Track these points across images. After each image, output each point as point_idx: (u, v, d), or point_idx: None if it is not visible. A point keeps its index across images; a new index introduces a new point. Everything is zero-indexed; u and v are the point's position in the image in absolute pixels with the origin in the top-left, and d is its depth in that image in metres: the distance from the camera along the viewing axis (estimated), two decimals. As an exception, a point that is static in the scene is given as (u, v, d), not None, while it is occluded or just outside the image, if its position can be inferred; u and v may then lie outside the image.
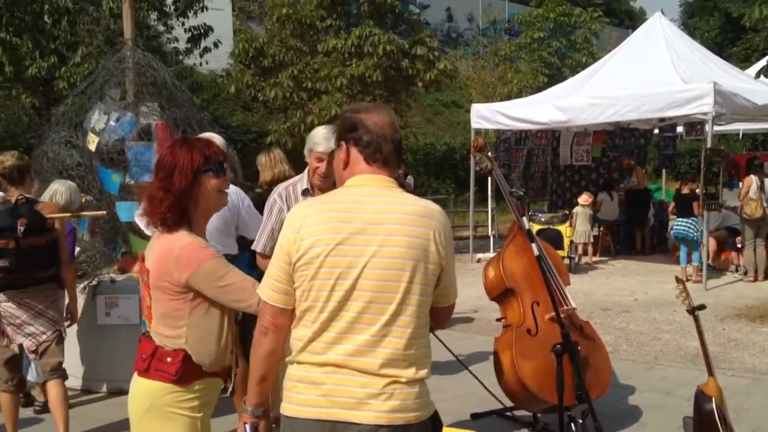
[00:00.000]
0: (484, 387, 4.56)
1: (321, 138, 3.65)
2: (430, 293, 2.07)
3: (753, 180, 9.56)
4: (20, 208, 4.22)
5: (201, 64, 14.42)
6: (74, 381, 5.37)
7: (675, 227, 9.98)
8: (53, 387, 4.42)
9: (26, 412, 5.02)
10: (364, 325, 2.00)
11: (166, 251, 2.44)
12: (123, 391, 5.27)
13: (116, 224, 5.75)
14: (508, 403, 4.67)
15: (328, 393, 2.00)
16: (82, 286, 5.44)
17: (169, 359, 2.43)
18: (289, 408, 2.06)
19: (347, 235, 2.01)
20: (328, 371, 2.01)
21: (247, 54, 13.52)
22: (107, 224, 5.80)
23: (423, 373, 2.05)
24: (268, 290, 2.10)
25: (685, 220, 9.69)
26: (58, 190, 5.16)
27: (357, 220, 2.03)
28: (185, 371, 2.43)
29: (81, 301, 5.26)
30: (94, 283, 5.47)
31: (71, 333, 5.44)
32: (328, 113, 12.47)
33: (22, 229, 4.09)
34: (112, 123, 5.75)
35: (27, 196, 4.35)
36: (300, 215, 2.08)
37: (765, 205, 9.50)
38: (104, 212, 5.57)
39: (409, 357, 2.02)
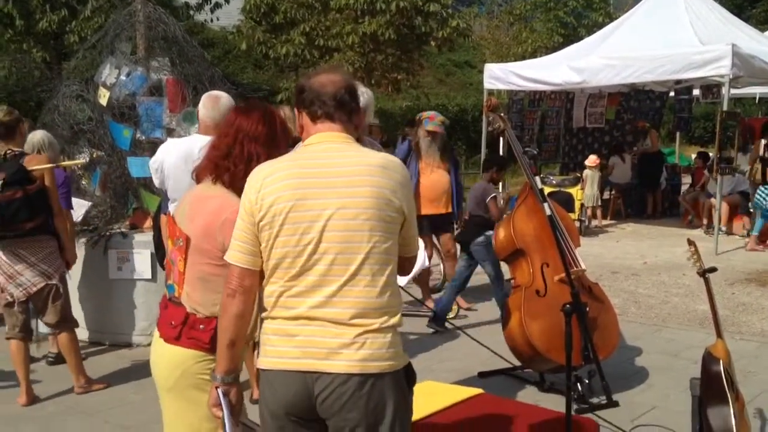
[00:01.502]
0: (484, 346, 4.59)
1: None
2: (395, 242, 2.11)
3: (761, 144, 9.44)
4: (3, 163, 4.27)
5: (212, 20, 14.26)
6: (84, 333, 5.47)
7: (757, 196, 9.43)
8: (61, 338, 4.59)
9: (41, 364, 5.12)
10: (333, 277, 2.03)
11: (215, 212, 2.36)
12: (133, 344, 5.42)
13: (127, 179, 5.76)
14: (513, 362, 4.71)
15: (301, 344, 2.03)
16: (93, 240, 5.49)
17: (201, 326, 2.38)
18: (264, 361, 2.09)
19: (308, 189, 2.04)
20: (300, 323, 2.04)
21: (259, 10, 13.38)
22: (118, 179, 5.81)
23: (394, 320, 2.09)
24: (234, 252, 2.11)
25: (764, 187, 9.24)
26: (40, 141, 5.07)
27: (317, 175, 2.06)
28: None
29: (82, 253, 5.30)
30: (106, 237, 5.50)
31: (82, 286, 5.53)
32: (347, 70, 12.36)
33: (0, 183, 4.14)
34: (122, 77, 5.73)
35: (15, 150, 4.37)
36: (260, 175, 2.10)
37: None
38: (83, 161, 5.60)
39: (380, 305, 2.05)
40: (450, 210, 6.39)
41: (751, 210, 10.03)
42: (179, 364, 2.41)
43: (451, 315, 6.11)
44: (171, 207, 4.32)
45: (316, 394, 2.02)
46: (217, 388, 2.18)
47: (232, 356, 2.16)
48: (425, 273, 6.51)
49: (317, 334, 2.02)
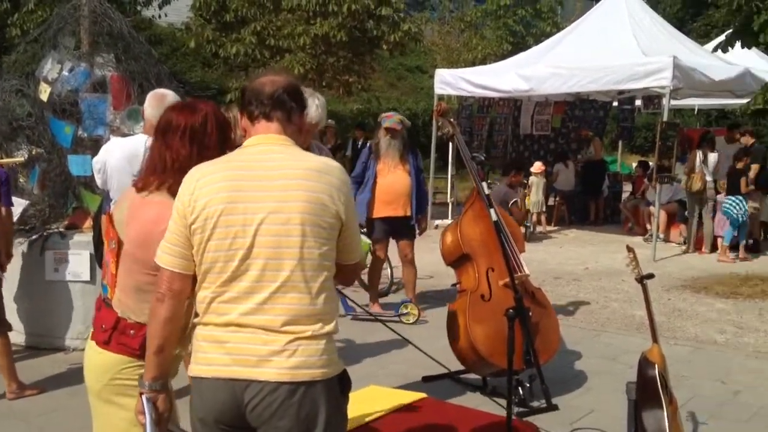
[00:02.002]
0: (423, 352, 4.61)
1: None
2: (331, 248, 2.07)
3: (697, 154, 9.78)
4: None
5: (160, 16, 14.01)
6: (19, 337, 5.29)
7: (725, 205, 9.51)
8: None
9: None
10: (265, 283, 2.00)
11: (153, 221, 2.25)
12: (69, 348, 5.27)
13: (67, 178, 5.60)
14: (453, 367, 4.75)
15: (231, 351, 2.00)
16: (29, 240, 5.33)
17: (132, 332, 2.34)
18: (195, 368, 2.06)
19: (241, 193, 2.01)
20: (231, 330, 2.01)
21: (209, 7, 13.20)
22: (58, 178, 5.65)
23: (329, 327, 2.05)
24: (163, 255, 2.07)
25: (733, 198, 9.36)
26: None
27: (251, 178, 2.03)
28: None
29: (18, 254, 5.15)
30: (43, 238, 5.34)
31: (17, 288, 5.35)
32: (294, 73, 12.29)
33: None
34: (65, 73, 5.58)
35: None
36: (194, 177, 2.07)
37: (707, 179, 9.73)
38: (22, 159, 5.45)
39: (313, 312, 2.02)
40: (408, 213, 6.23)
41: (688, 217, 10.36)
42: (108, 369, 2.36)
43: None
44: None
45: (245, 403, 1.99)
46: (141, 394, 2.13)
47: (160, 363, 2.11)
48: (375, 276, 6.49)
49: (248, 341, 1.99)
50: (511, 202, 5.95)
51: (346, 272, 2.21)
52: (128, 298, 2.36)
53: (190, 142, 2.33)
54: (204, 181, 2.04)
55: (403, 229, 6.30)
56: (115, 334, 2.35)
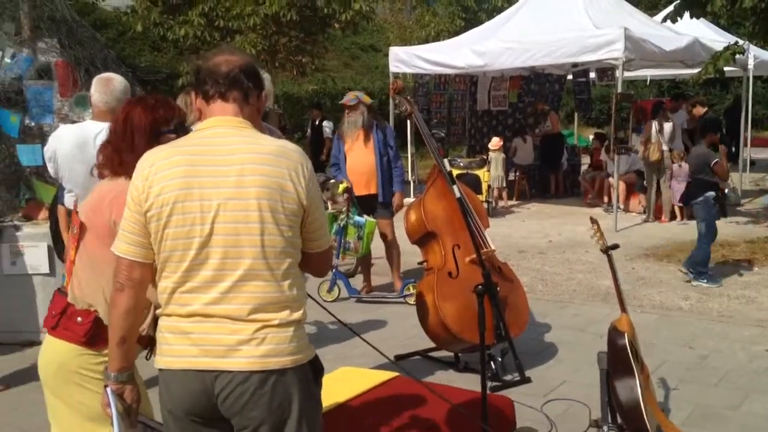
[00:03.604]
0: (367, 342, 4.59)
1: None
2: (294, 234, 1.99)
3: (653, 125, 9.91)
4: None
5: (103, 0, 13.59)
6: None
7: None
8: None
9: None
10: (227, 271, 1.93)
11: (108, 190, 2.33)
12: (32, 343, 5.10)
13: (18, 169, 5.40)
14: (423, 346, 4.72)
15: (198, 342, 1.93)
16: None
17: (79, 319, 2.30)
18: (160, 360, 2.00)
19: (196, 178, 1.93)
20: (195, 320, 1.94)
21: (155, -10, 12.83)
22: (8, 169, 5.44)
23: (297, 314, 1.99)
24: (120, 243, 2.00)
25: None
26: None
27: (207, 162, 1.94)
28: (95, 334, 2.29)
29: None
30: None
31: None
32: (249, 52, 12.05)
33: None
34: (7, 60, 5.36)
35: None
36: (147, 162, 1.98)
37: (663, 148, 9.88)
38: None
39: (280, 299, 1.96)
40: (374, 191, 6.18)
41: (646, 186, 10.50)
42: (55, 358, 2.33)
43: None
44: (67, 197, 4.07)
45: (216, 393, 1.93)
46: (106, 387, 2.07)
47: (123, 353, 2.05)
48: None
49: (214, 331, 1.92)
50: (713, 162, 6.42)
51: (314, 260, 2.11)
52: (83, 275, 2.32)
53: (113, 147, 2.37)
54: (158, 166, 1.95)
55: (374, 206, 6.23)
56: (63, 319, 2.32)
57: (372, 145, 6.12)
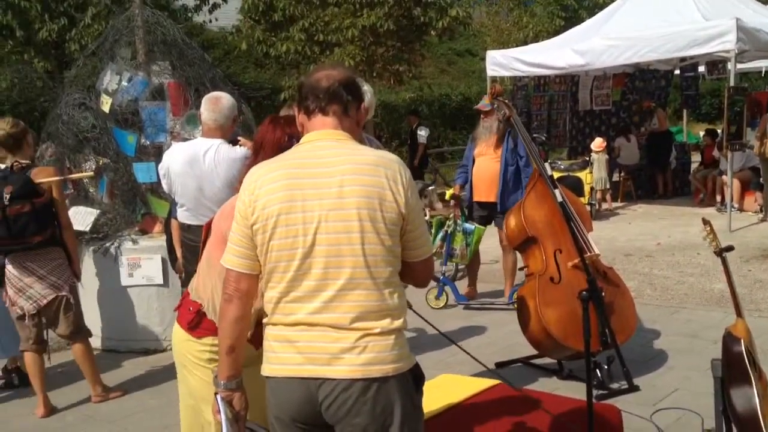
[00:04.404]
0: (463, 350, 4.51)
1: None
2: (394, 243, 2.02)
3: (768, 118, 9.36)
4: (11, 176, 4.23)
5: (210, 21, 14.22)
6: (97, 341, 5.46)
7: None
8: (75, 348, 4.55)
9: (55, 369, 5.12)
10: (330, 281, 1.98)
11: (234, 202, 2.45)
12: (147, 351, 5.41)
13: (134, 186, 5.74)
14: (526, 352, 4.66)
15: (303, 350, 1.99)
16: (103, 248, 5.48)
17: (190, 308, 2.51)
18: (267, 368, 2.06)
19: (299, 191, 1.99)
20: (300, 329, 2.00)
21: (257, 9, 13.29)
22: (125, 186, 5.79)
23: (398, 323, 2.02)
24: (229, 256, 2.08)
25: None
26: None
27: (308, 176, 2.00)
28: (198, 323, 2.49)
29: (93, 261, 5.35)
30: (116, 244, 5.49)
31: (95, 295, 5.52)
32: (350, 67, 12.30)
33: (7, 197, 4.14)
34: (124, 83, 5.71)
35: (23, 162, 4.33)
36: (253, 177, 2.06)
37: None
38: (92, 173, 5.60)
39: (381, 308, 1.99)
40: (494, 199, 6.05)
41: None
42: (175, 339, 2.60)
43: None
44: (179, 212, 4.30)
45: (320, 401, 1.99)
46: (216, 394, 2.16)
47: (232, 362, 2.13)
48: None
49: (318, 340, 1.98)
50: None
51: (415, 270, 2.13)
52: (199, 274, 2.54)
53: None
54: (262, 180, 2.03)
55: (494, 214, 6.12)
56: (181, 307, 2.59)
57: (500, 152, 5.98)
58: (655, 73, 13.50)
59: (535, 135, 4.91)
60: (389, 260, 2.02)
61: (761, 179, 9.89)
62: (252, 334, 2.33)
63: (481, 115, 6.15)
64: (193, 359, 2.51)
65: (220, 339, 2.13)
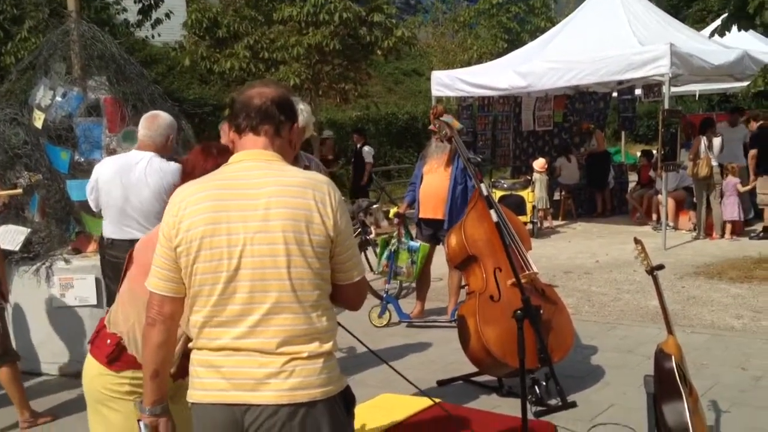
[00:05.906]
0: (395, 371, 4.54)
1: None
2: (322, 266, 1.98)
3: (702, 140, 9.71)
4: None
5: (153, 36, 14.01)
6: (30, 364, 5.24)
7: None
8: (1, 371, 4.36)
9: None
10: (255, 305, 1.94)
11: (152, 233, 2.44)
12: (79, 374, 5.21)
13: (68, 203, 5.57)
14: (466, 370, 4.68)
15: (227, 376, 1.94)
16: (35, 267, 5.29)
17: (108, 341, 2.41)
18: (192, 394, 2.01)
19: (224, 213, 1.94)
20: (225, 354, 1.96)
21: (201, 25, 13.16)
22: (58, 204, 5.61)
23: (327, 346, 1.99)
24: (153, 279, 2.04)
25: None
26: None
27: (234, 197, 1.96)
28: (118, 356, 2.39)
29: (23, 282, 5.15)
30: (47, 264, 5.30)
31: (25, 316, 5.32)
32: (286, 84, 12.25)
33: None
34: (58, 98, 5.56)
35: None
36: (178, 198, 2.02)
37: (713, 164, 9.65)
38: (21, 191, 5.44)
39: (308, 332, 1.96)
40: (441, 216, 6.06)
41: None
42: (88, 372, 2.48)
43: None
44: (103, 225, 4.24)
45: (246, 427, 1.94)
46: (140, 421, 2.10)
47: (156, 387, 2.08)
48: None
49: (244, 365, 1.94)
50: None
51: (346, 293, 2.09)
52: (118, 305, 2.45)
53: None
54: (187, 201, 1.99)
55: (439, 232, 6.12)
56: (97, 338, 2.48)
57: (450, 171, 6.02)
58: (593, 95, 13.88)
59: (470, 156, 4.96)
60: (317, 283, 1.98)
61: (694, 199, 10.22)
62: (177, 368, 2.27)
63: (434, 135, 6.19)
64: (110, 393, 2.41)
65: (144, 364, 2.08)
